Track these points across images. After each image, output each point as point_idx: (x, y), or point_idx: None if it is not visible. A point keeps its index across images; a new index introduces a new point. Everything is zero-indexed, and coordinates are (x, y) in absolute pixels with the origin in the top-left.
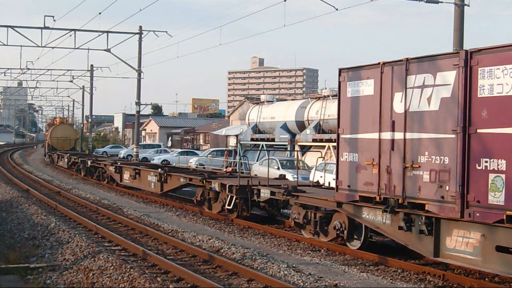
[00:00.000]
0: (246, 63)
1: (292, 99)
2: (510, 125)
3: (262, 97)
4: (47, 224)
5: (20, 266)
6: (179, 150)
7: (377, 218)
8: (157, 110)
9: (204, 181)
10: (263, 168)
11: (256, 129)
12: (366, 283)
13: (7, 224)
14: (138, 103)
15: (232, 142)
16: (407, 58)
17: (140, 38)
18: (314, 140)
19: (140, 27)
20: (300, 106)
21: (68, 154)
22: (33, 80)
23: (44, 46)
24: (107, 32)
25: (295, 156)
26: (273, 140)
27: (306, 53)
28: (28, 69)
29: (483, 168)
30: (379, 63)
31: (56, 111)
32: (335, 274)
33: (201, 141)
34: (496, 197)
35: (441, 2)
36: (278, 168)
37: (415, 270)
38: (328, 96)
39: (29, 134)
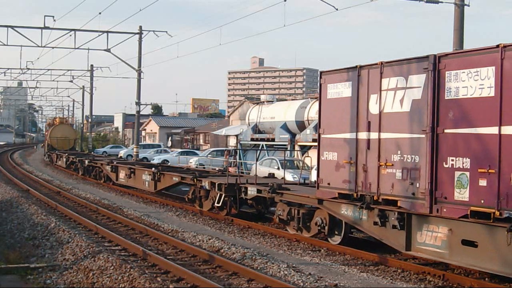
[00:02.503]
0: (246, 63)
1: (292, 99)
2: (474, 126)
3: (262, 97)
4: (47, 224)
5: (20, 266)
6: (179, 150)
7: (354, 214)
8: (157, 110)
9: (195, 179)
10: (263, 168)
11: (256, 129)
12: (366, 283)
13: (7, 224)
14: (138, 103)
15: (232, 142)
16: (381, 62)
17: (140, 38)
18: (314, 140)
19: (140, 27)
20: (300, 106)
21: (66, 154)
22: (33, 80)
23: (44, 46)
24: (107, 32)
25: (295, 156)
26: (273, 140)
27: (306, 53)
28: (28, 69)
29: (450, 166)
30: (356, 66)
31: (56, 111)
32: (335, 274)
33: (201, 141)
34: (461, 194)
35: (441, 2)
36: (278, 168)
37: (415, 270)
38: None
39: (29, 134)
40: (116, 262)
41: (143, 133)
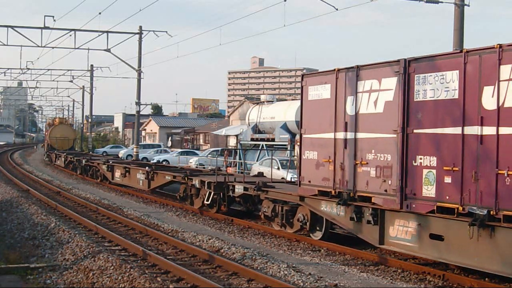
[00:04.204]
0: (246, 63)
1: (292, 99)
2: (439, 126)
3: (262, 97)
4: (47, 224)
5: (20, 266)
6: (179, 150)
7: (333, 210)
8: (157, 110)
9: (186, 178)
10: (263, 168)
11: (256, 129)
12: (366, 283)
13: (7, 224)
14: (138, 103)
15: (232, 142)
16: (357, 65)
17: (140, 38)
18: None
19: (140, 27)
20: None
21: (64, 154)
22: (33, 80)
23: (44, 46)
24: (107, 32)
25: (295, 156)
26: (273, 140)
27: (306, 53)
28: (28, 69)
29: (418, 164)
30: (334, 69)
31: (56, 111)
32: (335, 274)
33: (201, 141)
34: (429, 190)
35: (441, 2)
36: (278, 168)
37: (415, 270)
38: None
39: (29, 134)
40: (116, 262)
41: (143, 133)
